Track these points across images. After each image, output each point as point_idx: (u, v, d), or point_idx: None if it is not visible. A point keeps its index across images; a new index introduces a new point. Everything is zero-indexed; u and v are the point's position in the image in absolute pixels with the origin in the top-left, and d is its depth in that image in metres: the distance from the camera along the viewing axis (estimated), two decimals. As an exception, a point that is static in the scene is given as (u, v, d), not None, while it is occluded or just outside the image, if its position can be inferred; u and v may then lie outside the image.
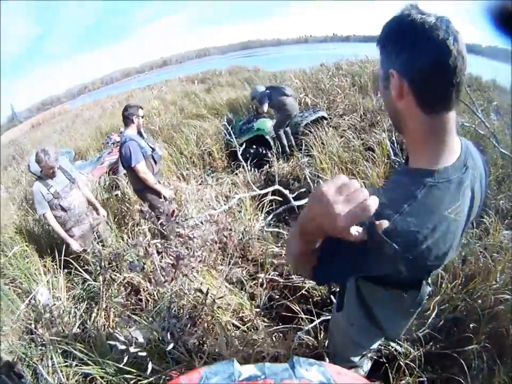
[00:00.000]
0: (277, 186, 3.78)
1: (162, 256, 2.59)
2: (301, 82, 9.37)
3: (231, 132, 5.72)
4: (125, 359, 2.08)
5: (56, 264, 3.44)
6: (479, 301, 2.37)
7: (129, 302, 3.03)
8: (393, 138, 4.92)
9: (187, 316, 2.39)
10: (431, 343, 2.24)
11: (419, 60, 0.80)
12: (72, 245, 3.48)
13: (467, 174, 0.93)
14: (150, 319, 2.57)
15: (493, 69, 9.19)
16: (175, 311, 2.70)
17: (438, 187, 0.87)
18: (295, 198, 3.71)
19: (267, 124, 5.99)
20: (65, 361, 2.48)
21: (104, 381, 2.24)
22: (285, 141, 5.82)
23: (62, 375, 2.40)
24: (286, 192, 3.61)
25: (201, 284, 2.72)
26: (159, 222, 2.74)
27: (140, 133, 3.67)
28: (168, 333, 2.18)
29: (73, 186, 3.53)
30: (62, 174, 3.47)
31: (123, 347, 2.06)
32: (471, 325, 2.27)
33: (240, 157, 4.70)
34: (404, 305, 1.18)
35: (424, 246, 0.85)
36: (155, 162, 3.71)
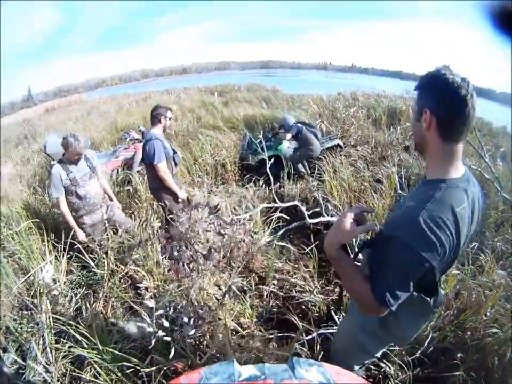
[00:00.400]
0: (296, 202, 3.87)
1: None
2: (318, 108, 9.53)
3: (249, 147, 5.98)
4: (153, 342, 2.12)
5: (60, 246, 3.40)
6: (468, 333, 2.50)
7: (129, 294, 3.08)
8: (402, 173, 5.08)
9: (190, 315, 2.41)
10: (419, 368, 2.36)
11: (446, 106, 1.17)
12: (78, 234, 3.49)
13: (470, 186, 1.27)
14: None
15: (504, 116, 9.41)
16: (175, 309, 2.76)
17: (449, 189, 1.20)
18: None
19: (284, 145, 6.19)
20: (57, 342, 2.48)
21: (99, 367, 2.22)
22: (302, 169, 6.00)
23: (52, 355, 2.40)
24: (303, 208, 3.68)
25: (206, 287, 2.81)
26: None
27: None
28: (172, 325, 2.24)
29: (92, 176, 3.56)
30: (84, 162, 3.51)
31: (150, 329, 2.13)
32: (458, 355, 2.38)
33: (268, 170, 4.76)
34: (427, 308, 1.42)
35: (449, 233, 1.15)
36: (175, 164, 3.78)
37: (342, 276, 1.40)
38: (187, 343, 2.32)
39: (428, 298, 1.38)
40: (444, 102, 1.16)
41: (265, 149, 5.08)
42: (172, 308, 2.46)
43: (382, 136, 7.30)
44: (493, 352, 2.38)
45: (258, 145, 5.95)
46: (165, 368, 2.17)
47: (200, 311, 2.28)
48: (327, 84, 21.91)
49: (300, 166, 5.98)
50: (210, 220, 2.11)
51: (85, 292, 3.19)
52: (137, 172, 5.77)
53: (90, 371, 2.27)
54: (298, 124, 6.07)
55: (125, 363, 2.22)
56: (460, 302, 2.73)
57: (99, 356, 2.25)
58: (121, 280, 3.25)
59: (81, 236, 3.50)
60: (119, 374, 2.25)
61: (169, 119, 3.69)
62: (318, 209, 4.05)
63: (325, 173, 5.15)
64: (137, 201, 4.81)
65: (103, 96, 26.71)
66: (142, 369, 2.17)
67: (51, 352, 2.40)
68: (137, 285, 3.00)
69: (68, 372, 2.38)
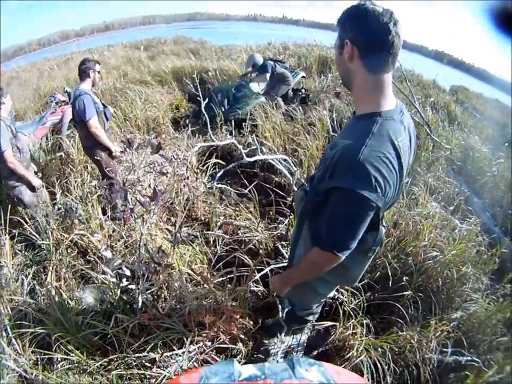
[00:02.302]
0: (233, 140, 3.92)
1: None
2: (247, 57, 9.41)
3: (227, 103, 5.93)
4: (118, 292, 2.13)
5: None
6: (410, 258, 2.73)
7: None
8: (333, 117, 5.23)
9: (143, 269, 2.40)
10: (369, 293, 2.58)
11: (367, 34, 1.12)
12: (33, 180, 3.25)
13: (404, 117, 1.25)
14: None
15: (434, 70, 9.95)
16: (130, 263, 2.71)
17: (386, 122, 1.16)
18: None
19: (254, 88, 6.22)
20: (19, 328, 2.27)
21: (67, 342, 2.15)
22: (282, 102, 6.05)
23: (18, 344, 2.21)
24: (240, 147, 3.70)
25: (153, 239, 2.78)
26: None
27: None
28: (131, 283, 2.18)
29: (17, 132, 3.36)
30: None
31: (114, 280, 2.08)
32: (404, 278, 2.61)
33: (203, 110, 4.90)
34: (369, 247, 1.45)
35: (392, 167, 1.14)
36: (107, 119, 3.62)
37: (299, 280, 1.58)
38: (147, 296, 2.31)
39: (369, 238, 1.40)
40: (365, 30, 1.12)
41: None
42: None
43: (313, 83, 7.51)
44: (435, 273, 2.65)
45: (237, 99, 5.96)
46: (131, 324, 2.16)
47: (155, 255, 2.23)
48: (256, 34, 21.58)
49: (280, 99, 6.03)
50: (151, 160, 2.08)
51: (35, 270, 2.98)
52: (67, 135, 5.44)
53: (61, 350, 2.16)
54: (270, 61, 6.20)
55: (90, 331, 2.21)
56: (399, 231, 2.96)
57: (64, 331, 2.19)
58: (68, 250, 3.09)
59: (36, 181, 3.28)
60: (88, 345, 2.23)
61: (98, 72, 3.49)
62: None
63: (257, 119, 5.17)
64: (70, 165, 4.54)
65: (21, 64, 24.61)
66: (110, 331, 2.15)
67: (16, 341, 2.22)
68: (93, 237, 2.94)
69: (39, 357, 2.22)
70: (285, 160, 3.77)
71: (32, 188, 3.29)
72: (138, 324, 2.20)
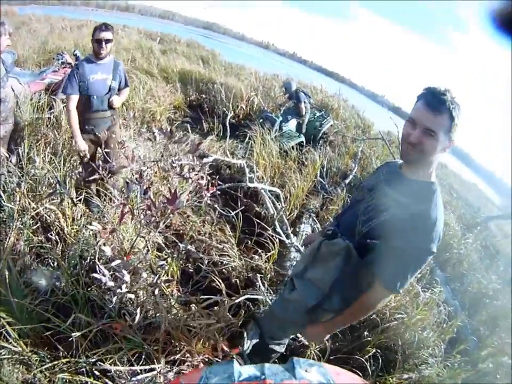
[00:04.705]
0: (243, 162, 3.89)
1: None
2: (255, 82, 9.57)
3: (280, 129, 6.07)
4: (114, 300, 1.82)
5: None
6: (376, 316, 2.77)
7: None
8: (324, 162, 5.33)
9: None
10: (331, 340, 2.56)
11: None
12: None
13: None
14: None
15: None
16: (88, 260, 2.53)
17: (438, 189, 1.41)
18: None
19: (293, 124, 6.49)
20: None
21: (15, 331, 1.88)
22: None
23: None
24: (247, 170, 3.74)
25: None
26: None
27: None
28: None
29: (8, 79, 3.17)
30: (1, 64, 3.05)
31: (111, 284, 1.69)
32: (365, 333, 2.71)
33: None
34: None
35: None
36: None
37: (345, 325, 1.74)
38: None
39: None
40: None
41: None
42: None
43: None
44: (397, 334, 2.72)
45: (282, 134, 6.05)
46: (94, 329, 1.95)
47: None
48: (266, 62, 22.03)
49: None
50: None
51: None
52: (61, 99, 5.23)
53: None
54: (302, 93, 6.42)
55: (43, 323, 1.98)
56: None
57: (6, 312, 1.91)
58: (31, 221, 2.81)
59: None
60: (34, 337, 1.99)
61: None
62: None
63: (255, 142, 5.12)
64: (56, 132, 4.33)
65: (36, 13, 24.14)
66: (72, 334, 1.88)
67: None
68: (91, 226, 2.72)
69: None
70: (277, 196, 3.75)
71: None
72: (100, 329, 2.00)
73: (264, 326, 2.04)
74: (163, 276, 2.51)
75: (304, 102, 6.31)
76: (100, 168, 2.13)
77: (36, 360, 1.90)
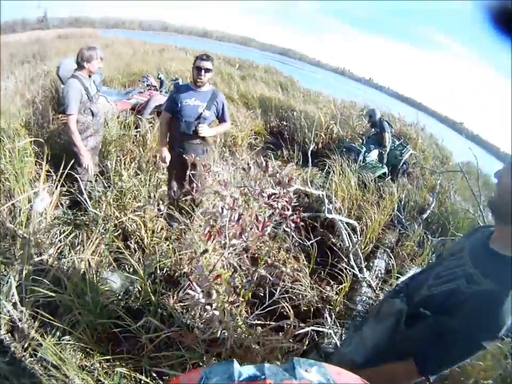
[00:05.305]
0: (323, 193, 3.84)
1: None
2: (334, 110, 9.54)
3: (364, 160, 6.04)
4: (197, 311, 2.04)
5: (56, 176, 3.08)
6: None
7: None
8: (402, 196, 5.18)
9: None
10: None
11: None
12: (84, 156, 3.26)
13: None
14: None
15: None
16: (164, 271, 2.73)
17: None
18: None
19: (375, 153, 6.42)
20: (33, 285, 2.17)
21: (79, 314, 2.09)
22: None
23: (25, 293, 2.15)
24: (326, 201, 3.69)
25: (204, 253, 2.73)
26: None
27: None
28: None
29: (99, 96, 3.46)
30: (93, 83, 3.40)
31: (203, 300, 1.79)
32: None
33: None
34: None
35: None
36: None
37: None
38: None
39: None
40: None
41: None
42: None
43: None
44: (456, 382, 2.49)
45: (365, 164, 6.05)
46: (163, 334, 2.07)
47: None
48: (342, 89, 21.96)
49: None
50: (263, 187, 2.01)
51: (69, 231, 2.89)
52: (147, 119, 5.64)
53: (69, 321, 2.11)
54: (385, 122, 6.37)
55: (111, 320, 2.15)
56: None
57: (81, 306, 2.12)
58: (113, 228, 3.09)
59: (86, 158, 3.28)
60: (101, 331, 2.18)
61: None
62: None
63: (334, 172, 5.10)
64: (141, 149, 4.67)
65: (118, 37, 26.19)
66: (143, 335, 2.08)
67: (25, 291, 2.15)
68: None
69: (39, 316, 2.11)
70: (353, 228, 3.72)
71: (79, 162, 3.29)
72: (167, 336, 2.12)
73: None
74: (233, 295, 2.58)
75: (387, 131, 6.21)
76: (194, 190, 2.24)
77: (97, 351, 2.06)
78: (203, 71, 3.07)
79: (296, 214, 1.97)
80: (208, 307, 1.80)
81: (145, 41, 23.88)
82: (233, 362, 0.86)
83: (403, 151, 6.74)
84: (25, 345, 2.03)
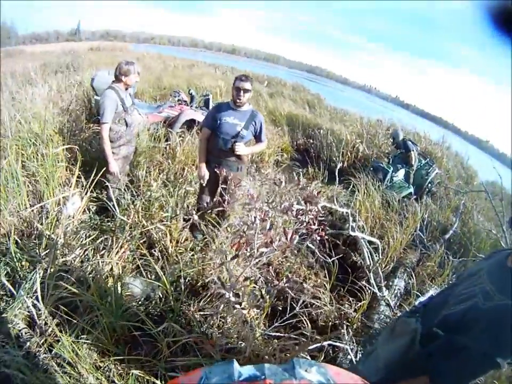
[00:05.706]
0: (348, 211, 3.81)
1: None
2: (360, 128, 9.59)
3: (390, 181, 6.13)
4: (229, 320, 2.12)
5: (86, 181, 3.26)
6: None
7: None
8: (425, 216, 5.18)
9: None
10: None
11: None
12: (112, 165, 3.38)
13: None
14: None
15: None
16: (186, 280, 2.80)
17: None
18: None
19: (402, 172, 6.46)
20: (56, 283, 2.28)
21: (100, 315, 2.18)
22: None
23: (47, 291, 2.25)
24: (351, 219, 3.66)
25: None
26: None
27: None
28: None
29: (133, 108, 3.60)
30: (130, 95, 3.56)
31: (233, 299, 1.96)
32: None
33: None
34: None
35: None
36: None
37: None
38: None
39: None
40: None
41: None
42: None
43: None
44: None
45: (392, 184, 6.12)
46: (183, 340, 2.15)
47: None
48: (368, 107, 21.85)
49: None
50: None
51: (95, 236, 3.02)
52: (177, 133, 5.81)
53: (89, 321, 2.21)
54: (409, 142, 6.43)
55: (131, 323, 2.24)
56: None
57: (103, 307, 2.21)
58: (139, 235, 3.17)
59: (114, 167, 3.40)
60: (119, 332, 2.26)
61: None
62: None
63: (359, 191, 5.15)
64: (170, 161, 4.83)
65: (149, 51, 26.85)
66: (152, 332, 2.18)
67: (47, 288, 2.25)
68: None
69: (58, 313, 2.22)
70: (375, 247, 3.78)
71: (108, 169, 3.40)
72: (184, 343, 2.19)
73: None
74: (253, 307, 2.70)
75: (413, 150, 6.24)
76: (225, 203, 2.35)
77: (114, 353, 2.14)
78: (242, 91, 3.15)
79: (321, 228, 2.05)
80: (237, 306, 1.94)
81: (175, 56, 24.42)
82: (233, 363, 0.89)
83: (429, 170, 6.68)
84: (41, 341, 2.12)
